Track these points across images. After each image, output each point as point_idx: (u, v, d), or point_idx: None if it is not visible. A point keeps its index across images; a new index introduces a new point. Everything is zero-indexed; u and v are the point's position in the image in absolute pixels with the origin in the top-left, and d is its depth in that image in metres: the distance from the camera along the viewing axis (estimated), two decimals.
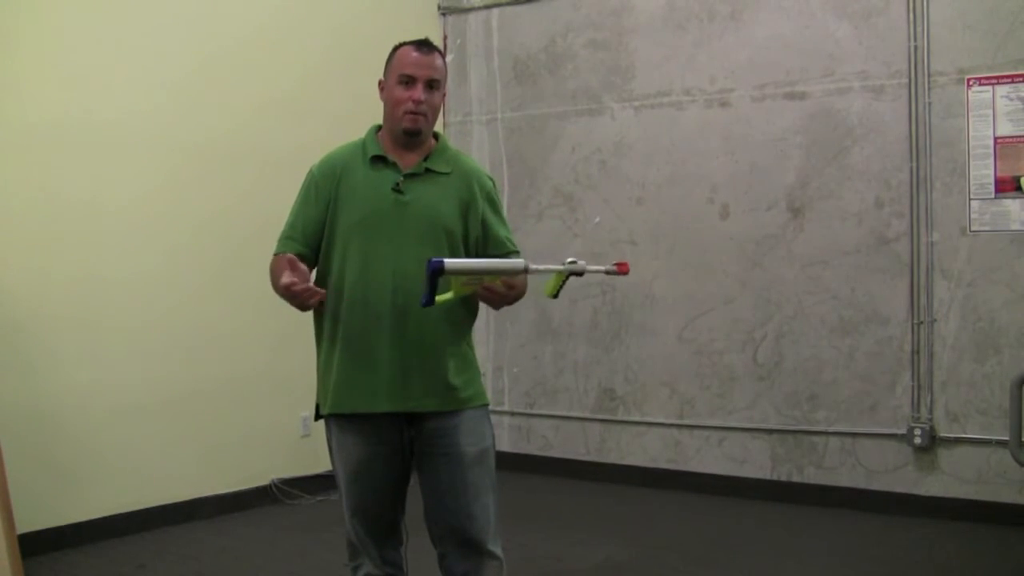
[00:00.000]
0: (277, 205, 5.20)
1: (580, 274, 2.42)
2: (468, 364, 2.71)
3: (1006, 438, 4.06)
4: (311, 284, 2.52)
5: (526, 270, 2.41)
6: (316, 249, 2.68)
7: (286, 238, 2.70)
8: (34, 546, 4.19)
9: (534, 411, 5.92)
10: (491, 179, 2.81)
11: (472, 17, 6.21)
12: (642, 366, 5.64)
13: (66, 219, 4.43)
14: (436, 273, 2.31)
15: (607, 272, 2.43)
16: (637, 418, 5.66)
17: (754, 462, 5.30)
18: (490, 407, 2.81)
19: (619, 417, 5.71)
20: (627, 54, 5.68)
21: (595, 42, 5.79)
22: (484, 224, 2.71)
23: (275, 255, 2.70)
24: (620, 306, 5.71)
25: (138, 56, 4.68)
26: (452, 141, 5.96)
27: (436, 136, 2.76)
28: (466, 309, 2.69)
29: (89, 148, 4.50)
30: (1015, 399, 3.63)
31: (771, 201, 5.25)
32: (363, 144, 2.72)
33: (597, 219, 5.78)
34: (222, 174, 5.02)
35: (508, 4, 6.07)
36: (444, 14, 6.27)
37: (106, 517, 4.53)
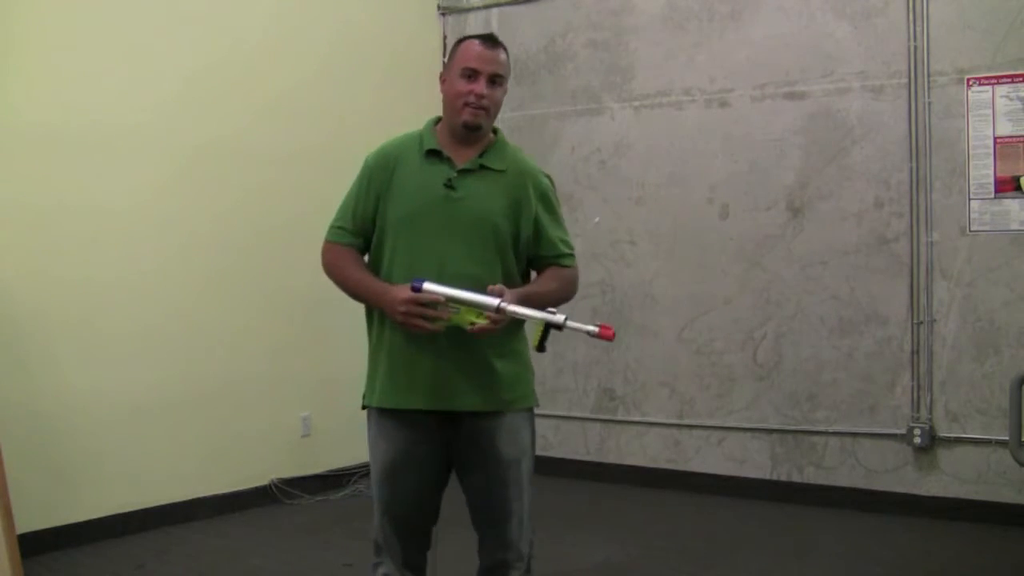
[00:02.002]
0: (277, 206, 5.25)
1: (559, 328, 2.37)
2: (517, 364, 2.68)
3: (1006, 438, 4.05)
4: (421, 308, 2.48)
5: (498, 310, 2.39)
6: (368, 239, 2.69)
7: (339, 227, 2.72)
8: (34, 546, 4.19)
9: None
10: (548, 178, 2.75)
11: (472, 17, 6.21)
12: (642, 366, 5.64)
13: (66, 221, 4.43)
14: (415, 292, 2.45)
15: (588, 333, 2.37)
16: (637, 418, 5.66)
17: (754, 462, 5.30)
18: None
19: (619, 417, 5.71)
20: (627, 54, 5.68)
21: (595, 42, 5.79)
22: (536, 224, 2.66)
23: (329, 242, 2.73)
24: (620, 306, 5.71)
25: (137, 58, 4.68)
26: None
27: (495, 131, 2.73)
28: None
29: (90, 150, 4.50)
30: (1015, 399, 3.63)
31: (771, 201, 5.25)
32: (420, 136, 2.71)
33: (597, 219, 5.78)
34: (222, 176, 5.02)
35: (508, 4, 6.07)
36: (444, 14, 6.27)
37: (106, 517, 4.53)
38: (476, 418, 2.61)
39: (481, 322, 2.43)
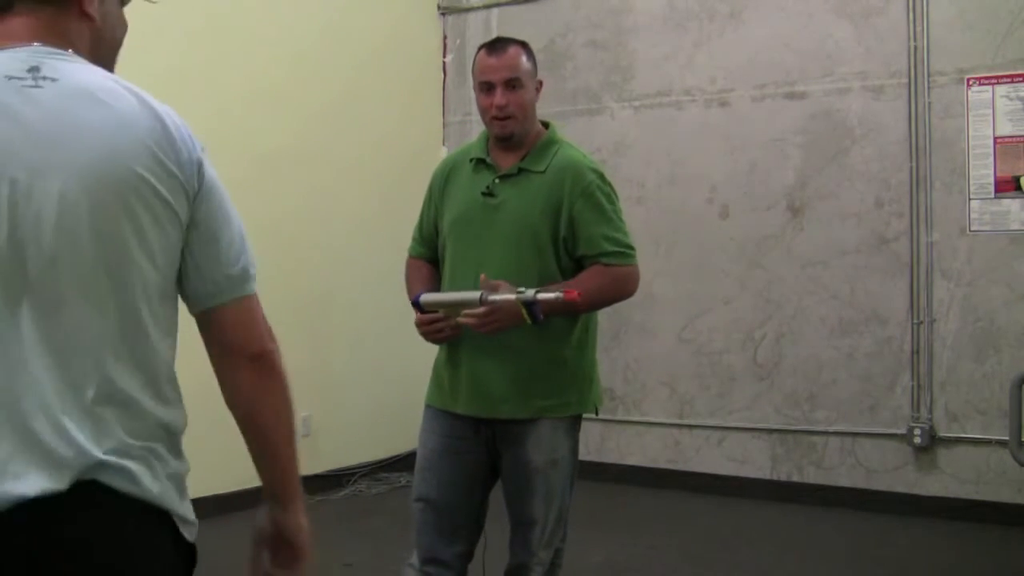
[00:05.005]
0: (278, 206, 5.24)
1: (533, 303, 2.40)
2: (561, 370, 2.65)
3: (1006, 438, 4.06)
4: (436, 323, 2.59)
5: (481, 301, 2.43)
6: (436, 248, 2.77)
7: (413, 239, 2.83)
8: None
9: None
10: (596, 172, 2.66)
11: (472, 17, 6.21)
12: (641, 366, 5.64)
13: None
14: (416, 307, 2.55)
15: (555, 298, 2.40)
16: (637, 418, 5.65)
17: (754, 462, 5.30)
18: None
19: (619, 417, 5.71)
20: (627, 54, 5.68)
21: (595, 42, 5.79)
22: (574, 222, 2.59)
23: (408, 254, 2.84)
24: (619, 306, 5.62)
25: (133, 49, 4.66)
26: (452, 141, 6.01)
27: (547, 126, 2.73)
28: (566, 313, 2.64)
29: None
30: (1015, 399, 3.63)
31: (771, 201, 5.25)
32: (474, 146, 2.76)
33: None
34: (223, 175, 5.01)
35: (508, 4, 6.07)
36: (444, 14, 6.27)
37: None
38: (511, 423, 2.62)
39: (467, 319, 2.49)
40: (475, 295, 2.45)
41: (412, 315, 2.81)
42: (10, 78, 1.30)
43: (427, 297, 2.56)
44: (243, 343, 1.50)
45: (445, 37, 6.24)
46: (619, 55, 5.71)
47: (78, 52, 1.40)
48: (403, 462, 5.54)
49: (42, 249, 1.28)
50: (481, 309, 2.45)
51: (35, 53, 1.34)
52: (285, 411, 1.56)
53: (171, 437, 1.41)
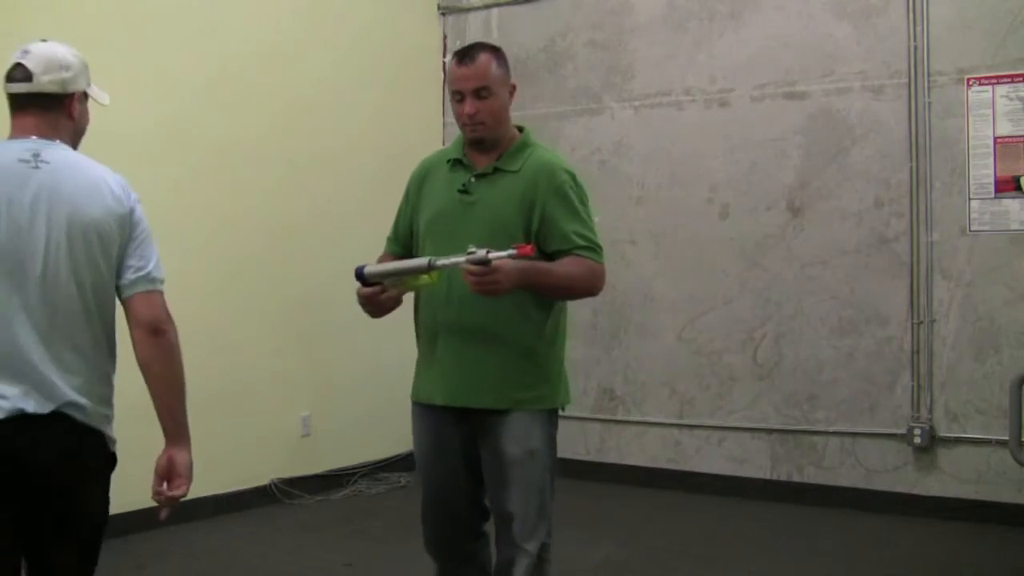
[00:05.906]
0: (280, 208, 5.25)
1: (486, 263, 2.40)
2: (533, 363, 2.70)
3: (1006, 438, 4.06)
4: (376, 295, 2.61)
5: (429, 265, 2.46)
6: (410, 247, 2.82)
7: (388, 238, 2.90)
8: None
9: None
10: (569, 173, 2.78)
11: (472, 17, 6.21)
12: (642, 366, 5.64)
13: None
14: (359, 279, 2.58)
15: (509, 256, 2.41)
16: (637, 418, 5.65)
17: (754, 462, 5.30)
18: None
19: (619, 417, 5.71)
20: (627, 54, 5.68)
21: (595, 42, 5.79)
22: (546, 220, 2.67)
23: (383, 252, 2.90)
24: (619, 306, 5.70)
25: (150, 64, 4.65)
26: (451, 141, 6.00)
27: (521, 130, 2.81)
28: (539, 305, 2.68)
29: (98, 151, 4.48)
30: (1015, 399, 3.64)
31: (771, 201, 5.25)
32: (451, 148, 2.83)
33: (596, 219, 5.75)
34: (226, 179, 5.00)
35: (508, 4, 6.07)
36: (444, 14, 6.27)
37: None
38: (488, 415, 2.67)
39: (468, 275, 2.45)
40: (423, 261, 2.49)
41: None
42: (22, 161, 2.17)
43: (371, 268, 2.59)
44: (149, 321, 2.29)
45: (445, 37, 6.24)
46: (619, 55, 5.71)
47: (63, 141, 2.26)
48: (403, 462, 5.54)
49: (36, 265, 2.14)
50: (491, 265, 2.41)
51: (37, 143, 2.21)
52: (176, 370, 2.38)
53: (109, 385, 2.33)
